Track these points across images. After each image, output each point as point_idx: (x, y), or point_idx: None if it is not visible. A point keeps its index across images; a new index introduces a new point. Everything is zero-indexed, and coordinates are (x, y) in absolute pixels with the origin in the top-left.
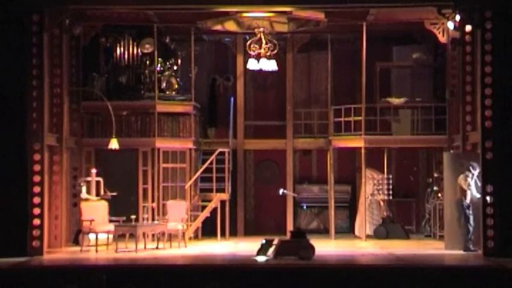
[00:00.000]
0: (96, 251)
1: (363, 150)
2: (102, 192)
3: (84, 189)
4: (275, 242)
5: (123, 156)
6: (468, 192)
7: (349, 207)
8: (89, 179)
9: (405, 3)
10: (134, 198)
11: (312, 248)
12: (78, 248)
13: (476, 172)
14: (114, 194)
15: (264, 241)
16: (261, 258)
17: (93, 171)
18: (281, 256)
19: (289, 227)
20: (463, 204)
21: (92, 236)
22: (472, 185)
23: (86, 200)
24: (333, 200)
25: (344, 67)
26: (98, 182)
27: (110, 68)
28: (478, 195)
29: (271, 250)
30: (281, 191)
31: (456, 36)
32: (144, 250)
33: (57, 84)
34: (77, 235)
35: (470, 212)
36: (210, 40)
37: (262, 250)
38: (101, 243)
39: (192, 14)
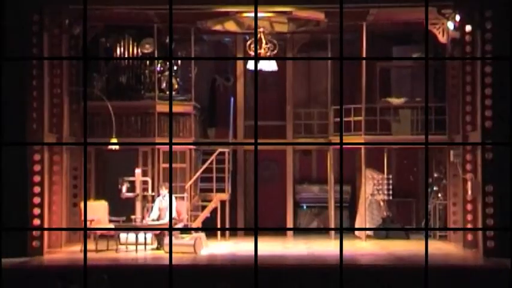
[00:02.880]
0: (96, 251)
1: (363, 150)
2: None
3: (124, 188)
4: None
5: (123, 156)
6: None
7: (349, 207)
8: (132, 179)
9: (405, 3)
10: None
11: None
12: (78, 248)
13: None
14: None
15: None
16: None
17: (138, 171)
18: None
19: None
20: None
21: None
22: None
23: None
24: (333, 200)
25: (344, 67)
26: (144, 182)
27: (110, 68)
28: None
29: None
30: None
31: (456, 36)
32: (144, 250)
33: (57, 84)
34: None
35: None
36: (210, 40)
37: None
38: (140, 243)
39: (192, 14)
